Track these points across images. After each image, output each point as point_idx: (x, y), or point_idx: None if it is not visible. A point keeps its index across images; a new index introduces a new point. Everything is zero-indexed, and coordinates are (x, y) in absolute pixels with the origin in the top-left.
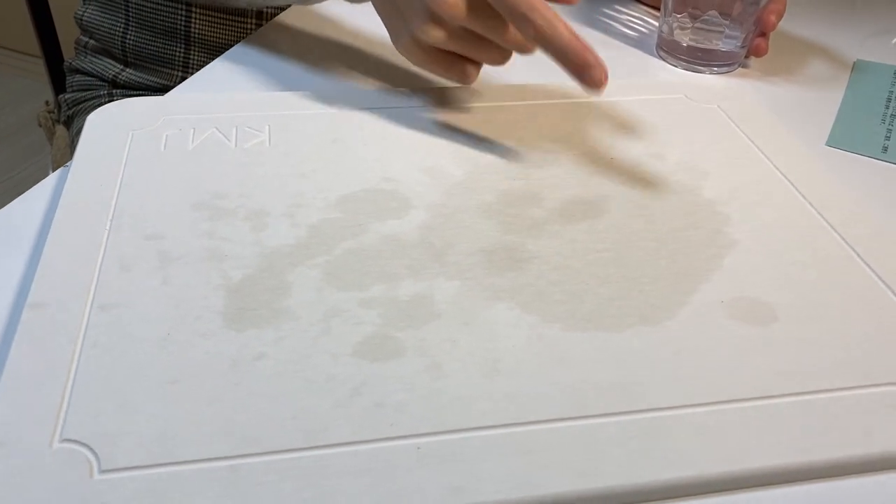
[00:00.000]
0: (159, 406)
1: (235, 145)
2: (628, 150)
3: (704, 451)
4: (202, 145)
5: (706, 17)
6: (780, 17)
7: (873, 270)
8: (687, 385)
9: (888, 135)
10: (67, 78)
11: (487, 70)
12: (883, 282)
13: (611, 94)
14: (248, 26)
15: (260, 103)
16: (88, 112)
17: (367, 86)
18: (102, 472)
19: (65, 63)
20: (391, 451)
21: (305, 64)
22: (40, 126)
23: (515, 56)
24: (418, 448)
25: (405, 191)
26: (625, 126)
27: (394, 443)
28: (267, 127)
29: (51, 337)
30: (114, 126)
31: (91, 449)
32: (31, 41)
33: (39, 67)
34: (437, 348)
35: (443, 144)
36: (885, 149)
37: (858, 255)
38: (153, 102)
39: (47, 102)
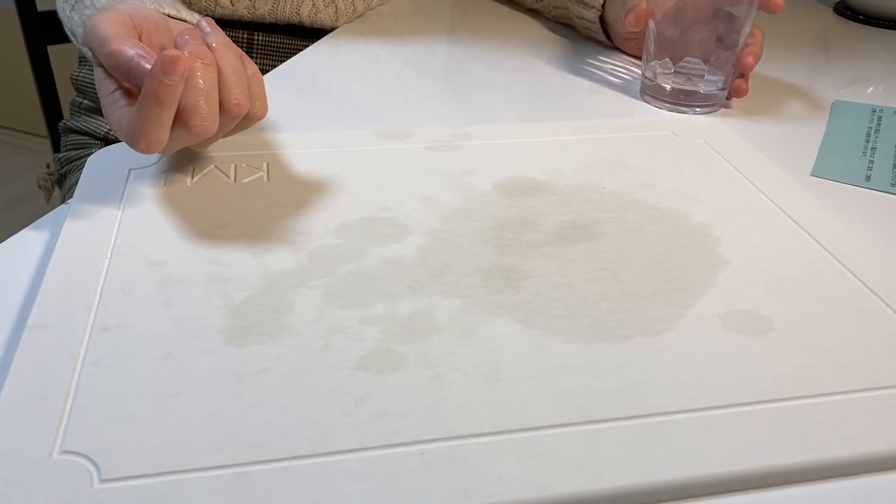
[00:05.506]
0: (161, 418)
1: (234, 181)
2: (618, 180)
3: (709, 452)
4: (201, 182)
5: (686, 62)
6: (757, 59)
7: (864, 283)
8: (689, 390)
9: (870, 165)
10: (62, 138)
11: (475, 112)
12: (875, 294)
13: (599, 132)
14: None
15: (258, 144)
16: (81, 169)
17: (361, 128)
18: (103, 481)
19: (60, 123)
20: (396, 457)
21: (302, 110)
22: (39, 188)
23: (507, 100)
24: (423, 454)
25: (403, 218)
26: (614, 159)
27: (398, 449)
28: (265, 164)
29: (51, 355)
30: (113, 165)
31: (91, 459)
32: (34, 120)
33: (41, 146)
34: (439, 360)
35: (437, 178)
36: (868, 178)
37: (849, 270)
38: None
39: (48, 165)
